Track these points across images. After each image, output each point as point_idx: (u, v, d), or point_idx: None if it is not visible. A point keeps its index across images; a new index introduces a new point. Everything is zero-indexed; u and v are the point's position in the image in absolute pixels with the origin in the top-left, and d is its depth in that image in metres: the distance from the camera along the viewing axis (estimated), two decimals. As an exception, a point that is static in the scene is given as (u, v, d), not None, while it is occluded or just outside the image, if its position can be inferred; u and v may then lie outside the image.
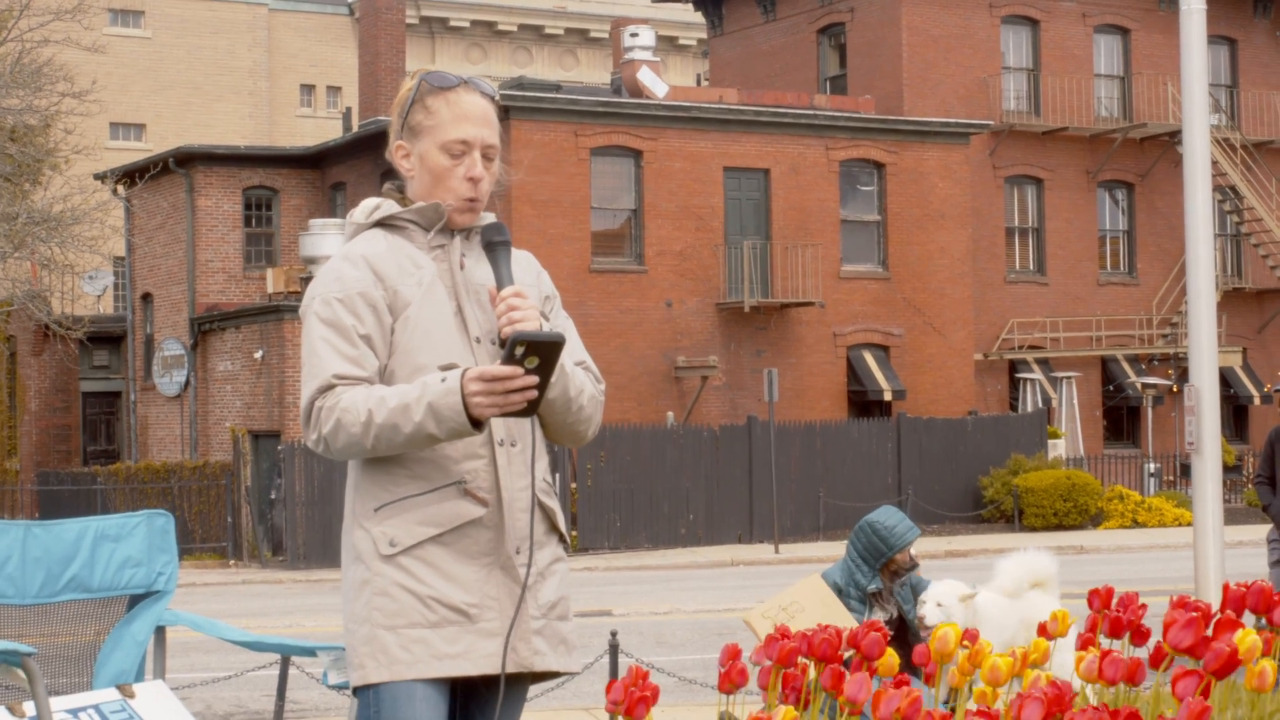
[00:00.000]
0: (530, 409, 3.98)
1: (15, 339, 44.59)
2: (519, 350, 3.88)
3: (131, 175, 42.38)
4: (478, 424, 3.96)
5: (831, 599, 9.23)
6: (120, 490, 38.10)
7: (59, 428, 45.37)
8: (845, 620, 8.99)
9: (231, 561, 34.91)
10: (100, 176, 43.59)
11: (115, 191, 43.13)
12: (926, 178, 40.48)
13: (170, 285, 42.13)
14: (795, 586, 9.37)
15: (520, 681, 4.22)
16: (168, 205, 42.05)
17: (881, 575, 9.84)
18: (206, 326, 40.10)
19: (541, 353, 3.90)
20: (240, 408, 38.90)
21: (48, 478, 41.62)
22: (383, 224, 4.27)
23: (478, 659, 4.08)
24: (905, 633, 9.81)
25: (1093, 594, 4.95)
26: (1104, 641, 5.02)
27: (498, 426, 4.14)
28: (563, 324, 4.31)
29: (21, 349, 44.94)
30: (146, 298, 43.49)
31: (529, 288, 4.27)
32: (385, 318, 4.14)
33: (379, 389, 4.04)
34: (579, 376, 4.21)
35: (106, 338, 45.16)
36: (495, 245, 4.18)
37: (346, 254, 4.20)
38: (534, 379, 3.92)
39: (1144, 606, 5.01)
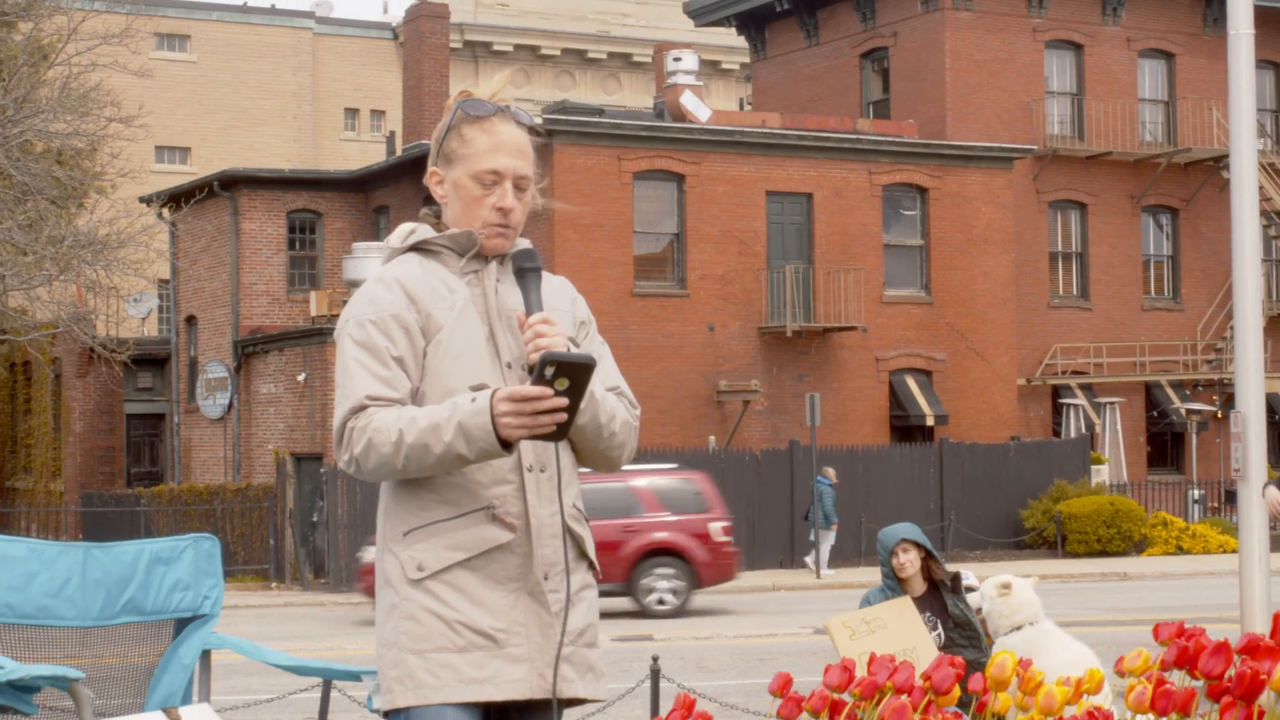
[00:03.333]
0: (560, 432, 3.97)
1: (60, 361, 44.82)
2: (549, 371, 3.88)
3: (177, 199, 42.60)
4: (507, 445, 3.96)
5: (917, 623, 9.20)
6: (163, 512, 38.23)
7: (103, 449, 45.57)
8: (926, 645, 8.98)
9: (274, 584, 34.99)
10: (146, 200, 43.82)
11: (160, 215, 43.36)
12: (970, 202, 40.39)
13: (214, 308, 42.31)
14: (886, 604, 9.39)
15: (548, 708, 4.21)
16: (212, 228, 42.24)
17: (902, 585, 9.96)
18: (250, 349, 40.24)
19: (571, 374, 3.90)
20: (283, 430, 39.01)
21: (91, 499, 41.80)
22: (418, 248, 4.29)
23: (504, 684, 4.08)
24: (955, 654, 9.81)
25: (1159, 627, 4.89)
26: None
27: (527, 452, 4.14)
28: (597, 350, 4.30)
29: (67, 371, 45.18)
30: (190, 320, 43.68)
31: (562, 313, 4.28)
32: (418, 340, 4.15)
33: (410, 409, 4.05)
34: (611, 402, 4.20)
35: (151, 360, 45.36)
36: (525, 272, 4.19)
37: (381, 277, 4.23)
38: (563, 401, 3.91)
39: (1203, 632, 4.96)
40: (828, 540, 34.08)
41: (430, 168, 4.34)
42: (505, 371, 4.17)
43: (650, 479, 28.02)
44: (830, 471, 34.32)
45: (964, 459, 37.53)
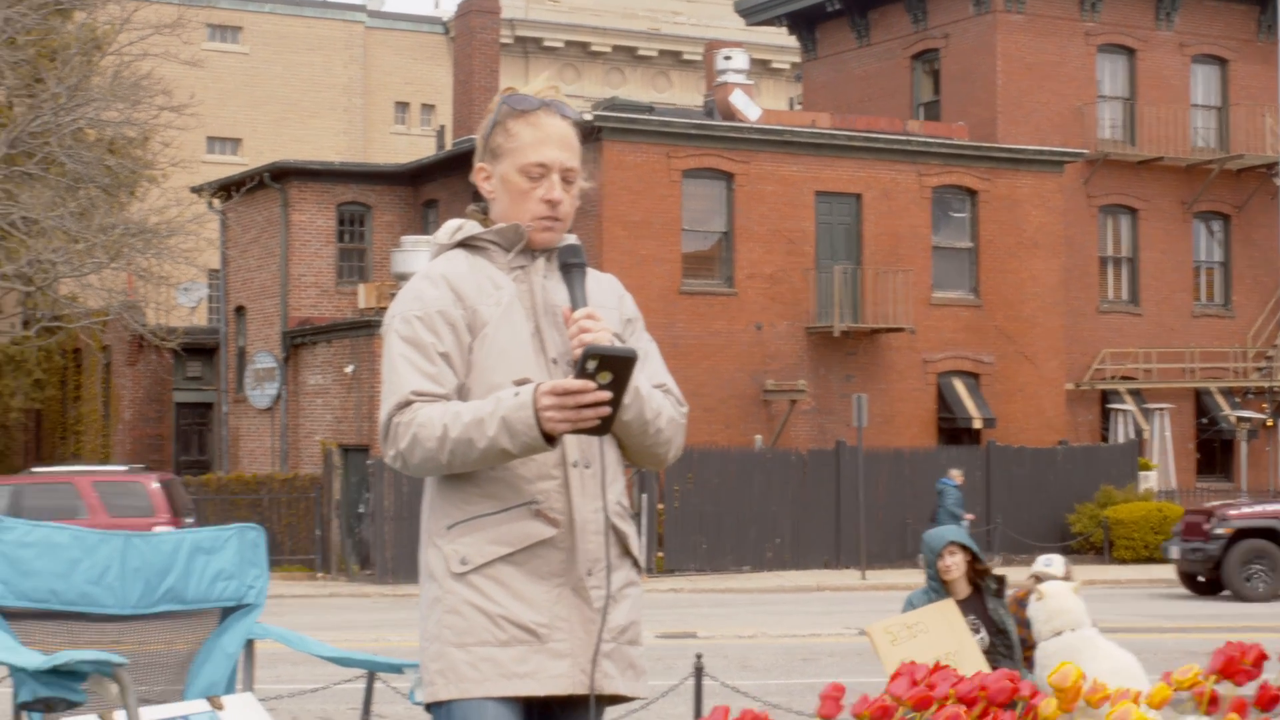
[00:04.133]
0: (604, 427, 3.96)
1: (111, 349, 45.06)
2: (591, 364, 3.88)
3: (227, 189, 42.79)
4: (550, 439, 3.96)
5: (961, 626, 9.16)
6: (211, 501, 38.39)
7: (152, 437, 45.80)
8: (971, 649, 8.93)
9: (319, 574, 35.10)
10: (196, 190, 44.02)
11: (211, 205, 43.54)
12: (1020, 205, 40.24)
13: (263, 299, 42.48)
14: (928, 608, 9.34)
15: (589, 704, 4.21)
16: (262, 219, 42.41)
17: (947, 587, 9.93)
18: (298, 340, 40.39)
19: (614, 368, 3.89)
20: (330, 421, 39.14)
21: (139, 487, 41.93)
22: (465, 244, 4.29)
23: (545, 679, 4.07)
24: (994, 660, 9.78)
25: (1224, 646, 4.82)
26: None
27: (571, 448, 4.13)
28: (644, 347, 4.28)
29: (117, 359, 45.42)
30: (240, 310, 43.86)
31: (609, 310, 4.26)
32: (464, 336, 4.15)
33: (455, 404, 4.05)
34: (657, 399, 4.19)
35: (200, 349, 45.56)
36: (570, 267, 4.19)
37: (427, 273, 4.23)
38: (606, 395, 3.90)
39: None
40: None
41: (477, 164, 4.33)
42: (550, 367, 4.16)
43: (97, 480, 27.70)
44: (955, 473, 34.56)
45: (1011, 463, 37.39)
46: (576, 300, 4.12)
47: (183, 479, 40.86)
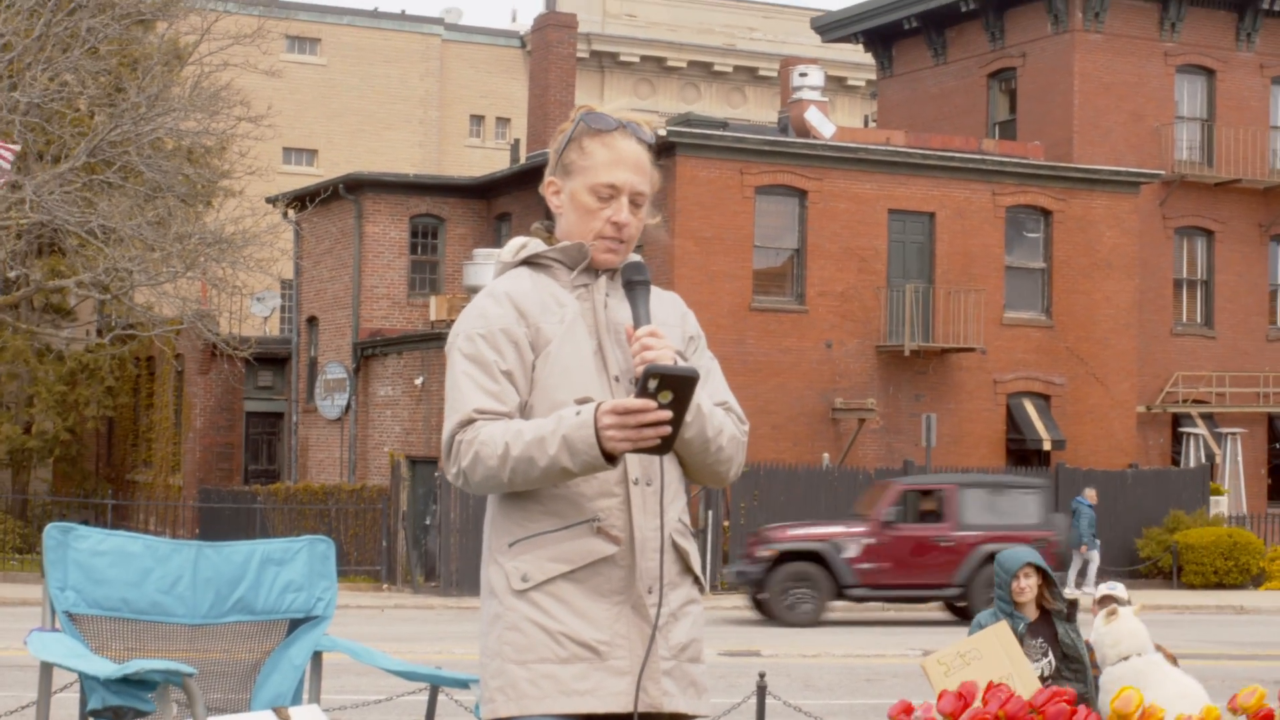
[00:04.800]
0: (665, 446, 3.96)
1: (184, 357, 45.40)
2: (652, 384, 3.88)
3: (302, 200, 43.07)
4: (611, 458, 3.97)
5: (1015, 649, 9.11)
6: (279, 510, 38.61)
7: (222, 446, 46.10)
8: (1027, 671, 8.89)
9: (385, 585, 35.23)
10: (272, 200, 44.33)
11: (286, 215, 43.83)
12: (1094, 226, 40.02)
13: (335, 309, 42.71)
14: (980, 635, 9.29)
15: None
16: (336, 230, 42.65)
17: (1018, 609, 9.88)
18: (369, 351, 40.58)
19: (675, 387, 3.89)
20: (399, 433, 39.30)
21: (209, 495, 42.29)
22: (529, 262, 4.31)
23: (606, 697, 4.07)
24: (1061, 684, 9.73)
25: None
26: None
27: (633, 465, 4.14)
28: (707, 365, 4.29)
29: (189, 367, 45.76)
30: (312, 321, 44.11)
31: (671, 328, 4.27)
32: (527, 354, 4.17)
33: (517, 423, 4.06)
34: (719, 416, 4.20)
35: (271, 359, 45.83)
36: (634, 284, 4.20)
37: (491, 291, 4.25)
38: (667, 414, 3.90)
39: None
40: (1093, 560, 34.96)
41: (548, 177, 4.35)
42: (613, 385, 4.17)
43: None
44: (1090, 492, 34.95)
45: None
46: (639, 318, 4.13)
47: (251, 488, 41.20)
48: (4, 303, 37.44)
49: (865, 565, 28.10)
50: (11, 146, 32.38)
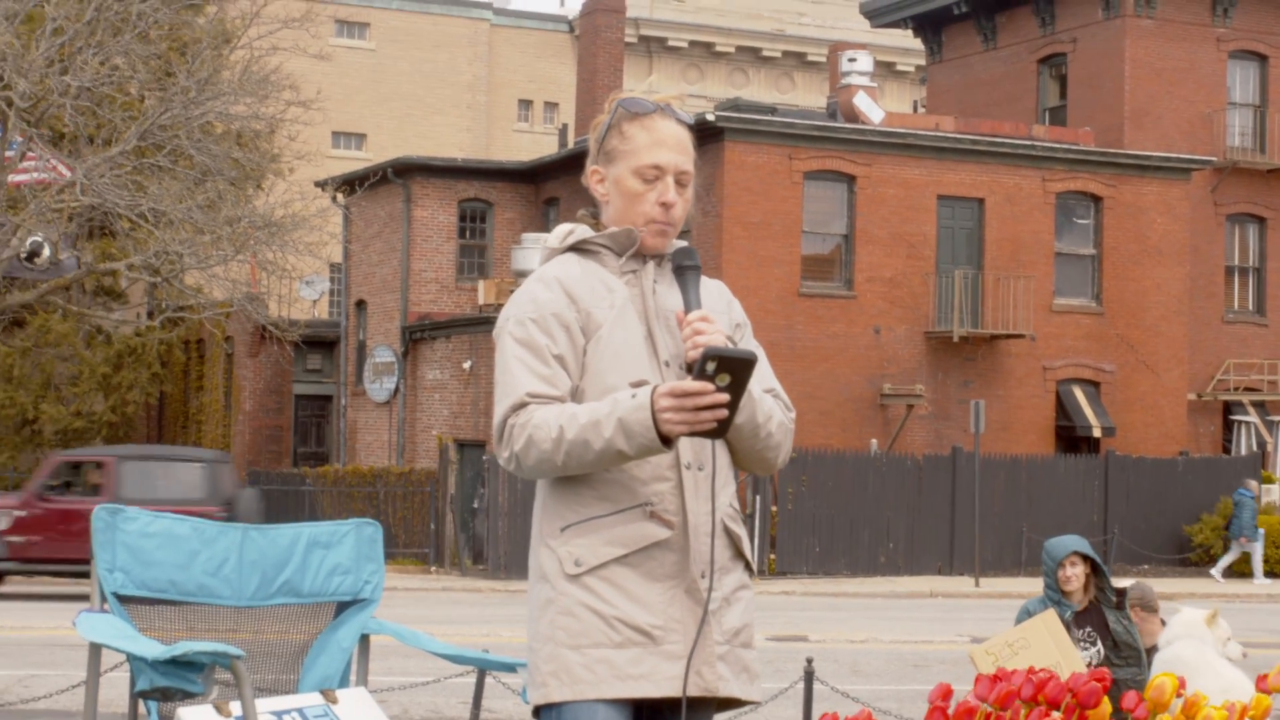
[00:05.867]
0: (720, 430, 3.94)
1: (234, 340, 45.60)
2: (710, 366, 3.86)
3: (351, 184, 43.17)
4: (667, 441, 3.94)
5: (1063, 637, 9.08)
6: (328, 493, 38.74)
7: (271, 428, 46.29)
8: (1075, 660, 8.86)
9: (433, 568, 35.33)
10: (321, 184, 44.45)
11: (335, 199, 43.95)
12: (1145, 213, 39.80)
13: (384, 293, 42.82)
14: (1027, 623, 9.25)
15: (704, 707, 4.19)
16: (385, 214, 42.75)
17: (1066, 598, 9.84)
18: (417, 335, 40.68)
19: (732, 369, 3.87)
20: (447, 416, 39.39)
21: (258, 477, 42.44)
22: (577, 248, 4.29)
23: (660, 681, 4.05)
24: (1112, 672, 9.68)
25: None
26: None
27: (685, 450, 4.12)
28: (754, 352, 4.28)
29: (239, 350, 45.95)
30: (360, 304, 44.24)
31: (718, 314, 4.26)
32: (578, 339, 4.15)
33: (571, 406, 4.05)
34: (768, 403, 4.18)
35: (320, 342, 45.99)
36: (685, 270, 4.18)
37: (540, 276, 4.24)
38: (724, 397, 3.89)
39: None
40: (1255, 551, 35.42)
41: (590, 166, 4.34)
42: (663, 369, 4.16)
43: None
44: (1252, 483, 35.71)
45: (1130, 473, 36.99)
46: (690, 303, 4.11)
47: (300, 471, 41.35)
48: (56, 285, 37.66)
49: (16, 538, 27.35)
50: (68, 166, 32.67)
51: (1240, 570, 35.77)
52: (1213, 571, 35.16)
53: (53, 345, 42.64)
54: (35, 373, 43.34)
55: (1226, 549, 35.66)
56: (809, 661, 12.30)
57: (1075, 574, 9.88)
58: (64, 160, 34.27)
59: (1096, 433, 38.61)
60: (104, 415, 44.12)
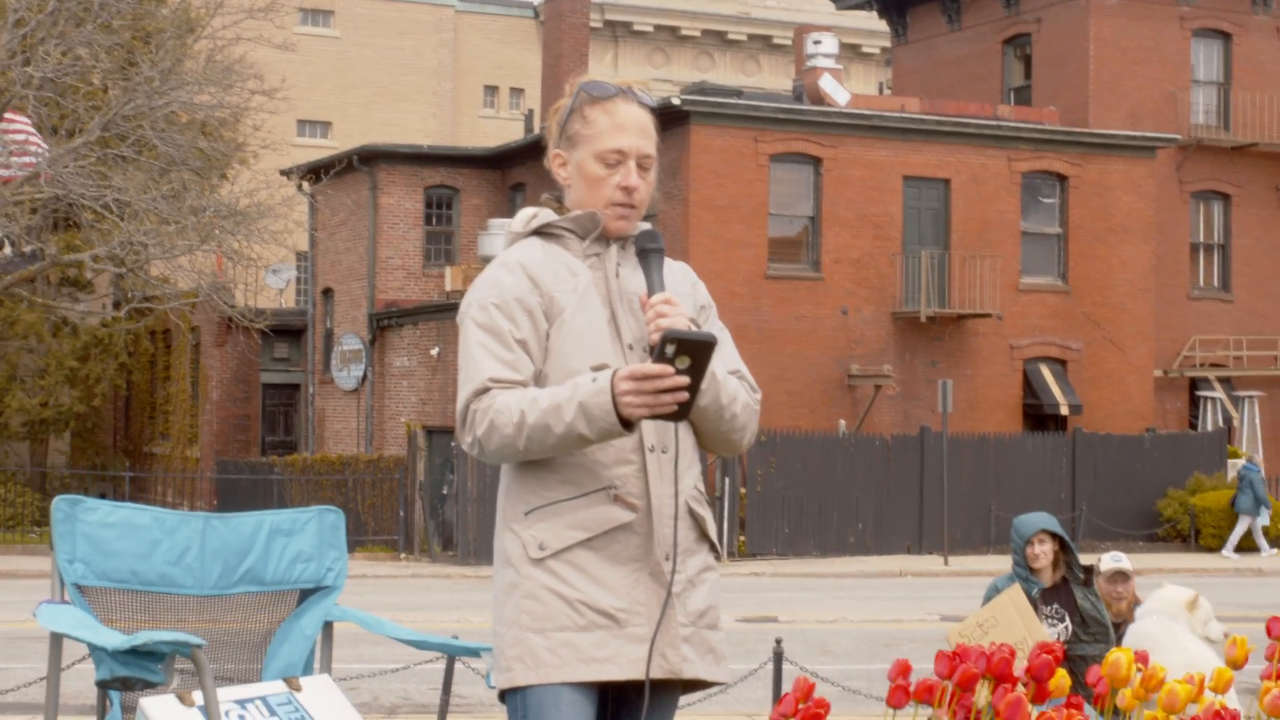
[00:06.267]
0: (682, 413, 3.94)
1: (200, 329, 45.48)
2: (669, 349, 3.86)
3: (317, 172, 43.07)
4: (628, 425, 3.95)
5: (1029, 612, 9.14)
6: (296, 481, 38.68)
7: (239, 417, 46.20)
8: (1040, 635, 8.92)
9: (402, 555, 35.31)
10: (286, 172, 44.32)
11: (300, 187, 43.83)
12: (1110, 191, 39.91)
13: (351, 281, 42.74)
14: (995, 601, 9.31)
15: (670, 689, 4.20)
16: (351, 202, 42.66)
17: (1034, 575, 9.90)
18: (385, 322, 40.62)
19: (692, 352, 3.87)
20: (415, 403, 39.35)
21: (226, 466, 42.40)
22: (540, 232, 4.30)
23: (625, 664, 4.07)
24: (1080, 648, 9.74)
25: (1274, 620, 4.83)
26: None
27: (649, 433, 4.13)
28: (718, 333, 4.28)
29: (205, 339, 45.84)
30: (327, 292, 44.15)
31: (683, 296, 4.27)
32: (541, 323, 4.16)
33: (532, 391, 4.06)
34: (732, 384, 4.19)
35: (287, 331, 45.90)
36: (648, 252, 4.19)
37: (503, 261, 4.24)
38: (684, 380, 3.89)
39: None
40: (1259, 522, 36.01)
41: (553, 150, 4.35)
42: (627, 353, 4.17)
43: None
44: (1257, 458, 36.99)
45: (1098, 450, 37.13)
46: (654, 285, 4.12)
47: (269, 459, 41.28)
48: (21, 277, 37.49)
49: None
50: (36, 147, 32.44)
51: (1247, 545, 36.07)
52: (1224, 551, 35.45)
53: (20, 336, 42.45)
54: (0, 364, 43.16)
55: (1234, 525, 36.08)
56: (778, 642, 12.34)
57: (1044, 551, 9.93)
58: (31, 135, 34.01)
59: (1064, 410, 38.74)
60: (72, 406, 43.96)
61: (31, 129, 33.70)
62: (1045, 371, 39.16)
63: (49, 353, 43.26)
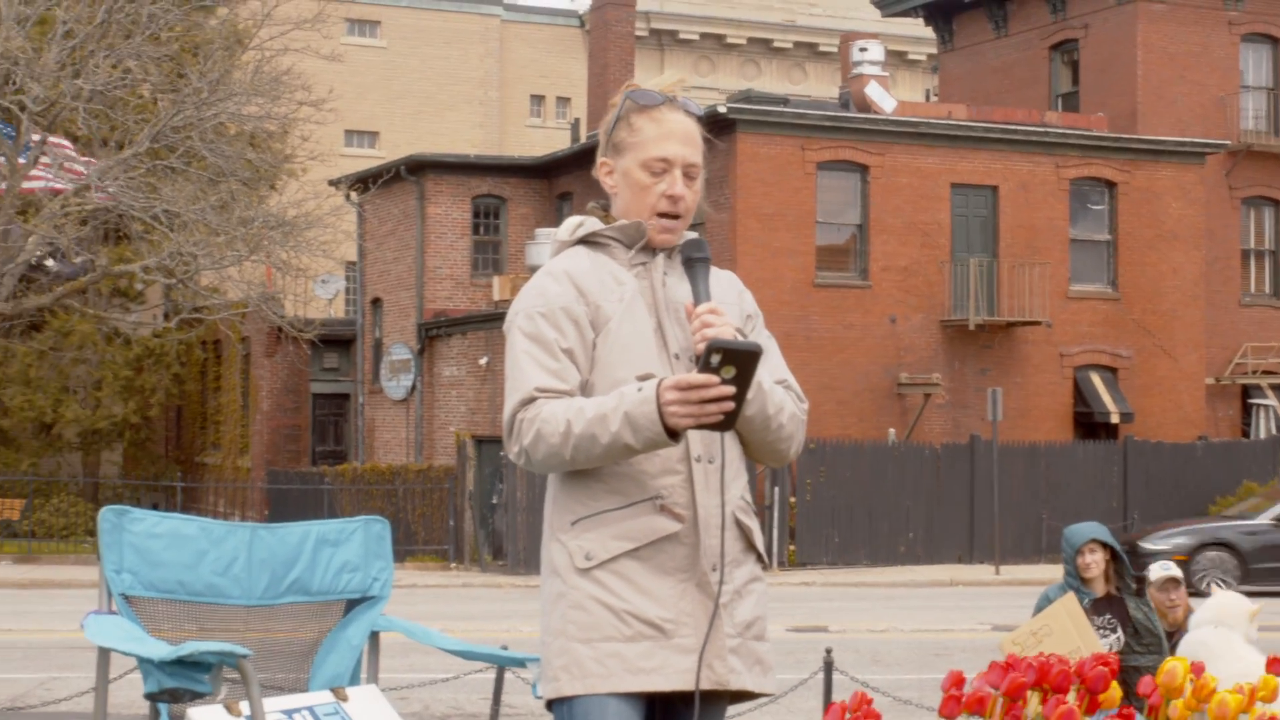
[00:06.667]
0: (727, 422, 3.93)
1: (250, 340, 45.66)
2: (715, 359, 3.84)
3: (364, 182, 43.20)
4: (674, 435, 3.93)
5: (1082, 621, 9.08)
6: (346, 491, 38.77)
7: (289, 427, 46.35)
8: (1094, 644, 8.85)
9: (453, 564, 35.36)
10: (334, 183, 44.49)
11: (348, 198, 43.99)
12: (1160, 198, 39.70)
13: (399, 290, 42.84)
14: (1049, 610, 9.25)
15: (717, 700, 4.18)
16: (399, 212, 42.77)
17: (1085, 585, 9.81)
18: (433, 332, 40.69)
19: (738, 362, 3.85)
20: (464, 413, 39.41)
21: (277, 476, 42.53)
22: (586, 241, 4.29)
23: (671, 674, 4.05)
24: (1133, 659, 9.67)
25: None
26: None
27: (695, 443, 4.12)
28: (764, 343, 4.25)
29: (255, 350, 46.02)
30: (376, 302, 44.27)
31: (729, 305, 4.25)
32: (587, 332, 4.15)
33: (578, 400, 4.04)
34: (779, 394, 4.17)
35: (337, 341, 46.05)
36: (694, 262, 4.17)
37: (550, 269, 4.23)
38: (730, 389, 3.87)
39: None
40: None
41: (600, 158, 4.34)
42: (673, 362, 4.15)
43: None
44: None
45: (1149, 458, 36.91)
46: (699, 295, 4.10)
47: (319, 469, 41.41)
48: (72, 288, 37.73)
49: None
50: (82, 162, 32.68)
51: None
52: None
53: (75, 347, 42.75)
54: (53, 375, 43.43)
55: None
56: (828, 652, 12.29)
57: (1095, 561, 9.85)
58: (78, 158, 34.26)
59: (1115, 419, 38.53)
60: (126, 417, 44.23)
61: (73, 152, 33.97)
62: (1096, 379, 38.97)
63: (104, 363, 43.52)
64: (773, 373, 4.19)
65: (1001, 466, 34.42)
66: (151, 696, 4.32)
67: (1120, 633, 9.81)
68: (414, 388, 41.45)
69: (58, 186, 34.32)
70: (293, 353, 45.05)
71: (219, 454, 47.85)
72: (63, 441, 44.56)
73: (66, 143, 34.79)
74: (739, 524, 4.19)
